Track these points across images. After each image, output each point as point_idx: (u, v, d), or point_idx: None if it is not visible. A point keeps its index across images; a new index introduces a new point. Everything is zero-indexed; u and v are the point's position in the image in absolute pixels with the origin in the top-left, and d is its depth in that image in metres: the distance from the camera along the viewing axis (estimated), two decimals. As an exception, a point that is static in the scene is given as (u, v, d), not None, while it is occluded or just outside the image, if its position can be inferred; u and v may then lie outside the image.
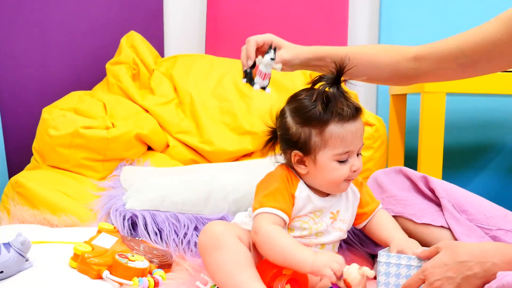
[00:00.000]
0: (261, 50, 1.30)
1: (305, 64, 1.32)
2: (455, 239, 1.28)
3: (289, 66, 1.31)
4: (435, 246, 1.11)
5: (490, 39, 1.23)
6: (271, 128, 1.29)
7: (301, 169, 1.22)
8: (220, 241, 1.15)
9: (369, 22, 2.36)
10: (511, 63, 1.23)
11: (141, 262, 1.22)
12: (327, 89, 1.18)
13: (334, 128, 1.17)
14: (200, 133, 1.91)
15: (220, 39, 2.28)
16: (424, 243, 1.30)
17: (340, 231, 1.25)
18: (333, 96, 1.18)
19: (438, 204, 1.35)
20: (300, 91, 1.25)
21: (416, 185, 1.38)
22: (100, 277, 1.18)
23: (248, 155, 1.92)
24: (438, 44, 1.30)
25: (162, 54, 2.31)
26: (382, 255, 1.16)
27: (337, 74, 1.18)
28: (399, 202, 1.35)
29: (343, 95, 1.19)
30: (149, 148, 1.90)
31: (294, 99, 1.23)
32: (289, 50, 1.30)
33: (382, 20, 2.28)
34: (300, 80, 1.96)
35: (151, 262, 1.27)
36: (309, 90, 1.22)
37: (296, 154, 1.21)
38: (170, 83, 2.02)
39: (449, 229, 1.31)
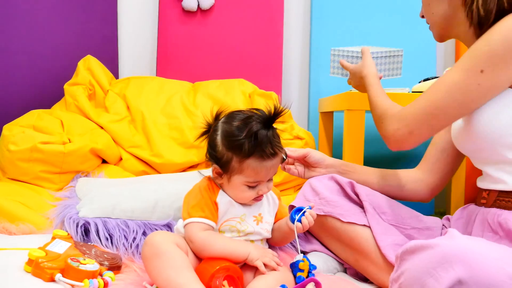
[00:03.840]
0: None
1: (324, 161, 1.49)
2: (375, 237, 1.32)
3: (312, 156, 1.48)
4: None
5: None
6: (208, 124, 1.28)
7: (217, 180, 1.25)
8: (159, 249, 1.14)
9: (301, 51, 2.41)
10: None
11: (92, 265, 1.20)
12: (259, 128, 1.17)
13: (252, 163, 1.19)
14: (150, 147, 1.91)
15: (170, 62, 2.28)
16: (349, 239, 1.36)
17: (266, 232, 1.28)
18: (261, 138, 1.17)
19: (361, 206, 1.39)
20: (237, 113, 1.23)
21: (344, 190, 1.42)
22: (53, 280, 1.16)
23: (194, 167, 1.92)
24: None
25: (116, 76, 2.29)
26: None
27: (271, 118, 1.19)
28: (329, 203, 1.38)
29: (271, 140, 1.18)
30: (104, 161, 1.88)
31: (229, 122, 1.22)
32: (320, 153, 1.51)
33: (312, 45, 2.34)
34: (240, 99, 1.98)
35: (101, 264, 1.26)
36: (246, 119, 1.19)
37: (216, 168, 1.24)
38: (123, 102, 2.00)
39: (370, 227, 1.35)
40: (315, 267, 1.25)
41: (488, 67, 1.13)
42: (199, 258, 1.22)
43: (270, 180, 1.24)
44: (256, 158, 1.18)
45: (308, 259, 1.24)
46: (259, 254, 1.17)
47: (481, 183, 1.29)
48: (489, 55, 1.13)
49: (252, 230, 1.25)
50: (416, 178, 1.47)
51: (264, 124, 1.18)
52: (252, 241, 1.25)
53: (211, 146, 1.24)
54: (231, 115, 1.24)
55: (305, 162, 1.50)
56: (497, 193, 1.22)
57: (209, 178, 1.28)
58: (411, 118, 1.23)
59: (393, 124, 1.26)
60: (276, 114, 1.19)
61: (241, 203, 1.25)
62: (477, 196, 1.32)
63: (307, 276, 1.22)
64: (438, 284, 0.87)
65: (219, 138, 1.22)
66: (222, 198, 1.24)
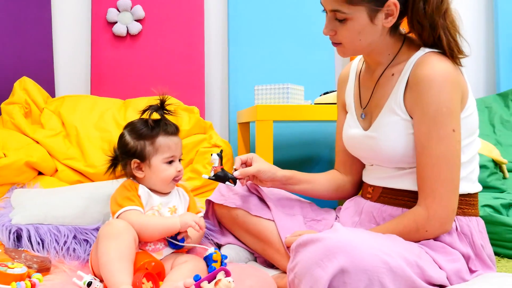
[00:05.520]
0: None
1: (274, 178, 1.38)
2: (278, 230, 1.37)
3: (263, 175, 1.36)
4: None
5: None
6: (111, 157, 1.39)
7: (139, 174, 1.32)
8: (121, 234, 1.18)
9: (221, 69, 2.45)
10: None
11: (19, 269, 1.17)
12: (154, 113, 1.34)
13: (162, 139, 1.31)
14: (84, 158, 1.88)
15: (102, 82, 2.27)
16: (257, 231, 1.40)
17: None
18: (159, 116, 1.33)
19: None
20: (133, 120, 1.37)
21: (256, 189, 1.44)
22: (-19, 285, 1.12)
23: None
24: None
25: (53, 95, 2.24)
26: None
27: (161, 103, 1.33)
28: (241, 198, 1.42)
29: (164, 117, 1.34)
30: (41, 173, 1.83)
31: (129, 124, 1.36)
32: (265, 163, 1.39)
33: (230, 58, 2.38)
34: (185, 122, 1.97)
35: (30, 268, 1.23)
36: (141, 115, 1.35)
37: (135, 162, 1.31)
38: (58, 119, 1.97)
39: (274, 221, 1.39)
40: (226, 257, 1.30)
41: (454, 121, 1.13)
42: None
43: (180, 159, 1.36)
44: (163, 135, 1.31)
45: (219, 251, 1.28)
46: (188, 221, 1.24)
47: (366, 178, 1.34)
48: (449, 112, 1.11)
49: None
50: (344, 181, 1.44)
51: (155, 109, 1.33)
52: None
53: (123, 148, 1.33)
54: (128, 123, 1.38)
55: (254, 177, 1.40)
56: (381, 190, 1.26)
57: (128, 178, 1.35)
58: (443, 206, 1.13)
59: (435, 225, 1.14)
60: (163, 101, 1.33)
61: (158, 193, 1.32)
62: (363, 189, 1.37)
63: (221, 265, 1.25)
64: (324, 272, 0.93)
65: (127, 137, 1.33)
66: (142, 191, 1.30)
